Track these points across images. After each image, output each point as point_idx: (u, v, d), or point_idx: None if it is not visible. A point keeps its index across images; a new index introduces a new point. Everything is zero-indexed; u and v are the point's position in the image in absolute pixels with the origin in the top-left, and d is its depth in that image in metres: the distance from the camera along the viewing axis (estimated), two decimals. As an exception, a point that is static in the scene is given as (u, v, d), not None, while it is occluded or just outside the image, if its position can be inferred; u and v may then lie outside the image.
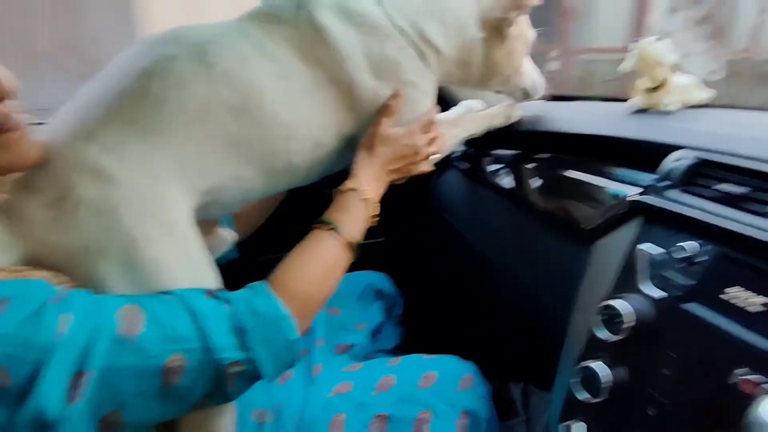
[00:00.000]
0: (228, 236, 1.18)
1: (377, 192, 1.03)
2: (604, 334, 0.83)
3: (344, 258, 0.95)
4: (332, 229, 0.93)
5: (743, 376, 0.69)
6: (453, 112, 1.39)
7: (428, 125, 1.08)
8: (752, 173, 0.82)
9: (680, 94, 1.13)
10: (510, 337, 1.44)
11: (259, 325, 0.79)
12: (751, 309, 0.71)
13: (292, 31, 0.97)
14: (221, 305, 0.78)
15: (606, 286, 0.91)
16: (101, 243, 0.77)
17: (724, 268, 0.77)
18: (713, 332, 0.74)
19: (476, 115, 1.30)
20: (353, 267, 1.30)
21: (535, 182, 1.39)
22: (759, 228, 0.75)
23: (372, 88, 1.02)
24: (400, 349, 1.53)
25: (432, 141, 1.10)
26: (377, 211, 1.01)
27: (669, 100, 1.11)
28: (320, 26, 0.97)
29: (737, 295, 0.73)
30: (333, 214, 0.96)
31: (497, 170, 1.52)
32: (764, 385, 0.66)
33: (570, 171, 1.28)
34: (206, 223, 1.03)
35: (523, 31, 1.19)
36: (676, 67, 1.14)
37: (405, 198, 1.61)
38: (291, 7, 0.99)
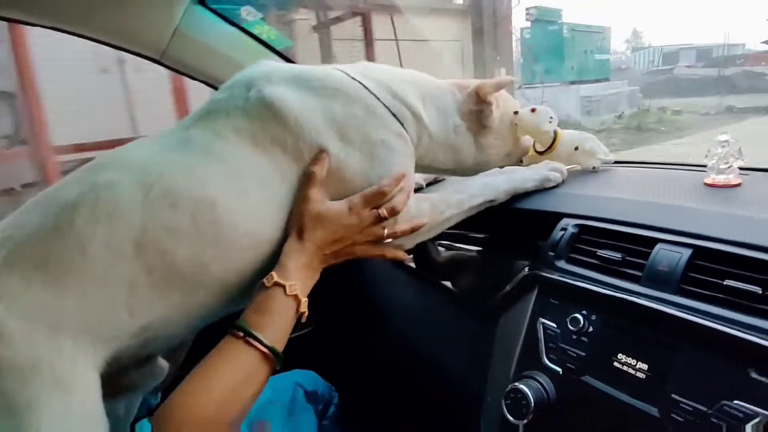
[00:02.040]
0: (163, 366, 1.09)
1: (307, 284, 0.92)
2: (511, 418, 0.89)
3: (262, 371, 0.85)
4: (248, 336, 0.84)
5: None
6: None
7: (375, 197, 0.97)
8: (626, 238, 0.90)
9: (567, 159, 1.24)
10: (439, 424, 1.46)
11: None
12: (639, 375, 0.79)
13: (243, 119, 0.95)
14: None
15: (512, 364, 0.98)
16: None
17: (611, 336, 0.86)
18: (610, 403, 0.82)
19: (493, 179, 1.16)
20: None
21: (447, 260, 1.45)
22: (633, 293, 0.83)
23: (337, 154, 0.97)
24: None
25: (379, 218, 0.97)
26: (305, 306, 0.90)
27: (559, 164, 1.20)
28: (272, 100, 0.95)
29: (626, 362, 0.81)
30: (252, 315, 0.86)
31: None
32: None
33: (477, 246, 1.34)
34: (142, 358, 1.00)
35: (506, 108, 1.25)
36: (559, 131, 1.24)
37: (329, 284, 1.66)
38: (240, 93, 0.98)
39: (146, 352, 0.93)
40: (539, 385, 0.89)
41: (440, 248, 1.49)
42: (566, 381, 0.88)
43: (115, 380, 0.87)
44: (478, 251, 1.34)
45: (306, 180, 0.94)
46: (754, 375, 0.67)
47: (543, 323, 0.94)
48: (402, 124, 1.06)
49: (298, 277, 0.89)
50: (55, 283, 0.79)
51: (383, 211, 0.96)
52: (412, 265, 1.49)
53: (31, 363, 0.76)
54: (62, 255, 0.80)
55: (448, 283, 1.36)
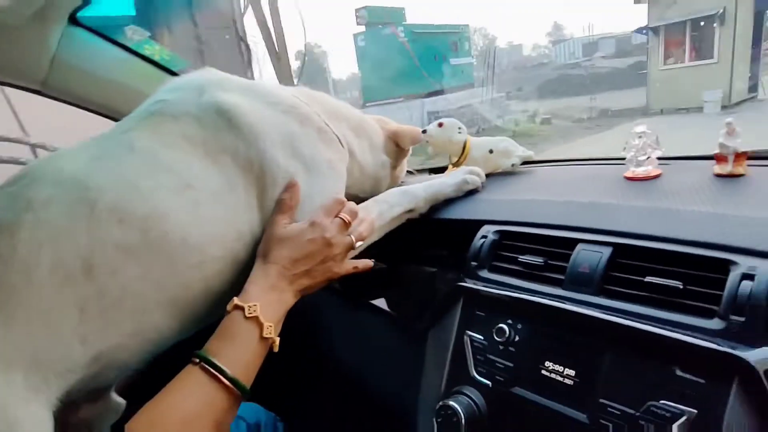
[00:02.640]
0: (119, 403, 1.01)
1: (275, 307, 0.87)
2: (444, 436, 0.84)
3: (221, 401, 0.79)
4: (205, 364, 0.78)
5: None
6: None
7: (335, 207, 0.96)
8: (546, 241, 0.89)
9: (484, 163, 1.24)
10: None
11: None
12: (567, 382, 0.77)
13: (194, 125, 0.90)
14: None
15: (442, 380, 0.94)
16: None
17: (537, 344, 0.83)
18: (540, 413, 0.79)
19: (412, 187, 1.15)
20: None
21: (378, 276, 1.42)
22: (556, 297, 0.81)
23: (286, 168, 0.94)
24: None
25: (345, 224, 0.95)
26: (275, 331, 0.85)
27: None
28: (227, 107, 0.91)
29: (553, 369, 0.79)
30: (212, 342, 0.82)
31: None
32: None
33: (406, 261, 1.31)
34: (94, 391, 0.91)
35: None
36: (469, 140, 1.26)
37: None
38: (192, 97, 0.93)
39: (98, 383, 0.85)
40: (469, 401, 0.85)
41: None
42: (496, 393, 0.84)
43: (67, 418, 0.80)
44: (405, 267, 1.30)
45: (276, 206, 0.93)
46: (679, 373, 0.65)
47: (470, 336, 0.91)
48: (345, 151, 1.09)
49: (260, 300, 0.84)
50: (1, 315, 0.72)
51: (345, 216, 0.94)
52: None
53: None
54: (6, 284, 0.73)
55: (379, 305, 1.33)
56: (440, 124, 1.25)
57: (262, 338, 0.82)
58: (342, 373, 1.52)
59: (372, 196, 1.18)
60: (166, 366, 0.81)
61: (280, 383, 1.76)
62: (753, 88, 14.93)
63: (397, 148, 1.27)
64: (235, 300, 0.83)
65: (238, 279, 0.91)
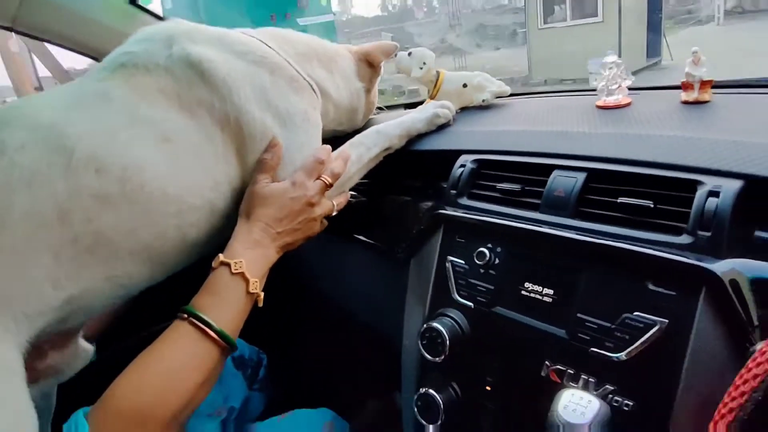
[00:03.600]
0: (87, 349, 1.04)
1: (260, 263, 0.90)
2: (429, 356, 0.90)
3: (210, 354, 0.81)
4: (193, 318, 0.80)
5: (552, 366, 0.77)
6: None
7: (315, 167, 0.98)
8: (523, 168, 0.92)
9: (458, 97, 1.25)
10: (362, 376, 1.49)
11: None
12: (546, 300, 0.81)
13: (167, 78, 0.90)
14: None
15: (425, 305, 0.99)
16: None
17: (516, 266, 0.87)
18: (521, 330, 0.84)
19: (385, 126, 1.16)
20: None
21: (357, 211, 1.44)
22: (533, 221, 0.85)
23: (262, 121, 0.96)
24: (267, 413, 1.53)
25: (326, 186, 0.99)
26: (259, 286, 0.88)
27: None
28: (198, 60, 0.91)
29: (533, 289, 0.83)
30: (199, 298, 0.84)
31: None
32: (568, 371, 0.75)
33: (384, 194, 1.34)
34: (63, 337, 0.94)
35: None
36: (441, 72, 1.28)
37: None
38: (160, 48, 0.93)
39: (67, 326, 0.87)
40: (453, 322, 0.90)
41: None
42: (478, 314, 0.89)
43: (34, 364, 0.82)
44: (387, 199, 1.33)
45: (257, 166, 0.95)
46: (651, 287, 0.70)
47: (451, 261, 0.95)
48: (318, 97, 1.09)
49: (244, 256, 0.87)
50: None
51: (326, 179, 0.97)
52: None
53: None
54: None
55: (361, 237, 1.36)
56: (409, 53, 1.26)
57: (248, 293, 0.86)
58: (325, 305, 1.56)
59: (349, 128, 1.25)
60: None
61: (264, 318, 1.81)
62: (653, 52, 12.35)
63: (370, 68, 1.27)
64: (221, 257, 0.86)
65: (214, 228, 0.94)
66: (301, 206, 0.94)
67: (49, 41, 1.38)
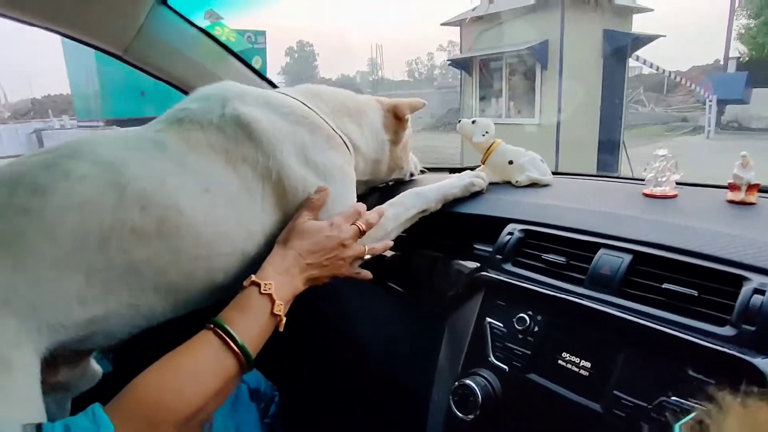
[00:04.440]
0: (96, 371, 1.09)
1: (287, 289, 0.95)
2: (459, 413, 0.92)
3: (229, 367, 0.85)
4: (219, 329, 0.86)
5: (581, 439, 0.79)
6: None
7: (353, 214, 1.07)
8: (570, 243, 0.95)
9: (501, 170, 1.32)
10: (382, 424, 1.50)
11: None
12: (583, 373, 0.83)
13: (217, 135, 1.00)
14: None
15: (459, 362, 1.01)
16: None
17: (555, 336, 0.90)
18: (555, 400, 0.86)
19: (423, 189, 1.25)
20: None
21: (394, 263, 1.48)
22: (577, 295, 0.88)
23: (303, 175, 1.05)
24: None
25: (360, 232, 1.06)
26: (283, 310, 0.94)
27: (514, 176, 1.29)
28: (247, 120, 1.01)
29: (570, 360, 0.85)
30: (227, 312, 0.89)
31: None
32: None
33: (427, 250, 1.38)
34: (78, 354, 0.99)
35: (409, 126, 1.36)
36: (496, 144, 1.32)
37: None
38: (215, 107, 1.03)
39: (83, 347, 0.92)
40: (486, 382, 0.92)
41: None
42: (512, 378, 0.91)
43: (45, 378, 0.83)
44: (425, 255, 1.37)
45: (304, 203, 1.04)
46: (691, 372, 0.72)
47: (490, 323, 0.98)
48: (351, 153, 1.18)
49: (275, 279, 0.93)
50: (12, 261, 0.78)
51: (361, 225, 1.06)
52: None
53: None
54: (27, 235, 0.80)
55: (395, 285, 1.39)
56: (473, 121, 1.32)
57: (272, 314, 0.91)
58: (347, 348, 1.58)
59: (374, 180, 1.36)
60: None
61: (282, 353, 1.83)
62: (608, 168, 9.86)
63: (395, 120, 1.32)
64: (253, 277, 0.92)
65: (243, 274, 0.98)
66: (334, 245, 1.01)
67: (146, 71, 1.52)
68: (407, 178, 1.49)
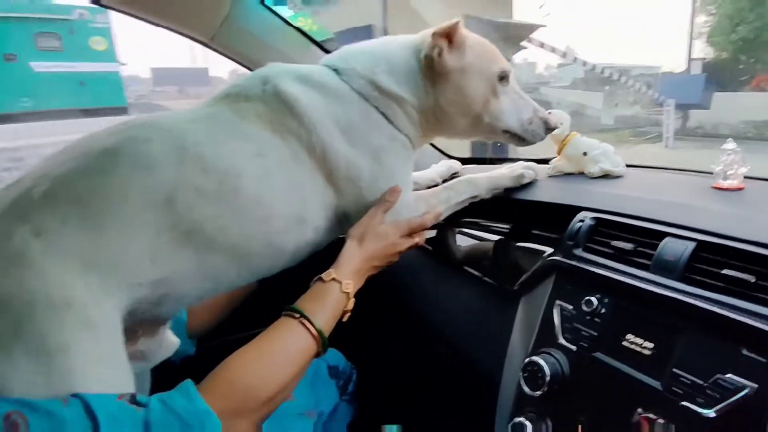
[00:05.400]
0: (173, 342, 1.19)
1: (357, 287, 1.07)
2: (528, 389, 1.00)
3: (310, 350, 0.96)
4: (303, 317, 0.96)
5: (642, 414, 0.85)
6: (434, 170, 1.53)
7: (419, 228, 1.17)
8: (637, 230, 1.01)
9: (576, 161, 1.37)
10: (452, 400, 1.58)
11: (173, 425, 0.76)
12: (645, 352, 0.90)
13: (263, 106, 1.06)
14: (134, 410, 0.76)
15: (530, 342, 1.09)
16: (7, 339, 0.76)
17: (621, 318, 0.97)
18: (618, 377, 0.92)
19: (476, 177, 1.30)
20: None
21: (466, 251, 1.56)
22: (642, 280, 0.94)
23: (345, 154, 1.09)
24: (354, 426, 1.64)
25: (416, 246, 1.18)
26: (352, 305, 1.05)
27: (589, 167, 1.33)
28: (287, 97, 1.06)
29: (634, 341, 0.92)
30: (308, 302, 1.00)
31: (439, 239, 1.67)
32: (658, 421, 0.83)
33: (497, 236, 1.46)
34: (153, 323, 1.08)
35: (473, 64, 1.17)
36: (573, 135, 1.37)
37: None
38: (257, 84, 1.09)
39: (158, 311, 0.99)
40: (555, 360, 1.00)
41: (459, 237, 1.62)
42: (579, 357, 0.98)
43: (126, 346, 0.90)
44: (498, 240, 1.45)
45: (379, 203, 1.12)
46: (745, 352, 0.77)
47: (560, 305, 1.05)
48: (392, 123, 1.16)
49: (352, 278, 1.05)
50: (92, 221, 0.85)
51: (420, 242, 1.19)
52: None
53: (65, 300, 0.80)
54: (102, 194, 0.87)
55: (471, 270, 1.48)
56: (549, 113, 1.35)
57: (345, 309, 1.04)
58: (423, 330, 1.66)
59: (448, 132, 1.28)
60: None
61: (361, 334, 1.93)
62: None
63: (450, 47, 1.15)
64: (333, 274, 1.03)
65: (301, 240, 1.09)
66: (392, 253, 1.13)
67: (231, 58, 1.63)
68: (515, 143, 1.27)
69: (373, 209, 1.12)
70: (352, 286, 1.04)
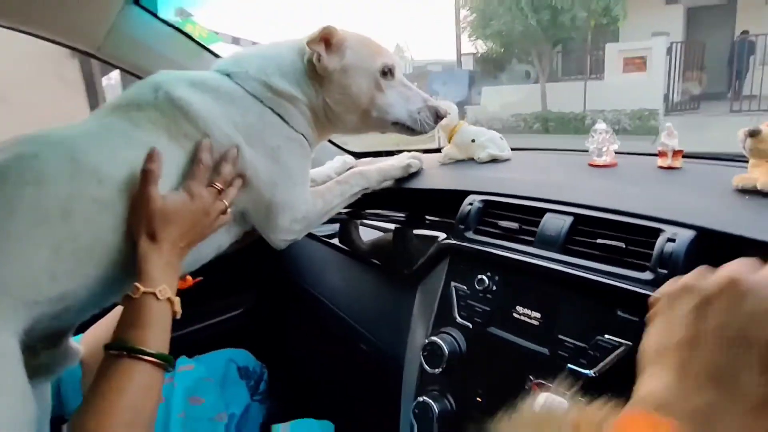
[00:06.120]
0: (76, 349, 1.14)
1: (174, 283, 0.95)
2: (428, 368, 1.05)
3: (158, 381, 0.88)
4: (134, 352, 0.85)
5: (534, 380, 0.92)
6: (328, 166, 1.54)
7: (203, 174, 1.04)
8: (521, 209, 1.08)
9: (465, 148, 1.44)
10: (362, 388, 1.62)
11: None
12: (533, 322, 0.96)
13: (156, 113, 1.03)
14: None
15: (429, 323, 1.14)
16: None
17: (511, 292, 1.03)
18: (511, 348, 0.99)
19: (367, 169, 1.34)
20: (213, 345, 1.35)
21: (376, 241, 1.61)
22: (528, 254, 1.01)
23: (243, 155, 1.09)
24: (266, 425, 1.65)
25: (218, 192, 1.05)
26: (179, 306, 0.94)
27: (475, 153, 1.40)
28: (181, 102, 1.04)
29: (523, 312, 0.98)
30: (132, 332, 0.88)
31: (342, 233, 1.72)
32: (548, 385, 0.90)
33: (400, 225, 1.51)
34: (54, 336, 1.04)
35: (353, 63, 1.20)
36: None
37: (262, 267, 1.78)
38: (148, 91, 1.06)
39: (58, 325, 0.97)
40: (452, 338, 1.05)
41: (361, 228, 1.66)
42: (475, 333, 1.04)
43: (28, 361, 0.86)
44: (396, 229, 1.50)
45: (143, 178, 0.96)
46: (620, 313, 0.85)
47: (455, 286, 1.11)
48: (288, 123, 1.17)
49: (164, 279, 0.92)
50: None
51: (218, 185, 1.05)
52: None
53: None
54: None
55: (372, 260, 1.52)
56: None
57: (173, 313, 0.93)
58: (329, 324, 1.69)
59: (359, 127, 1.29)
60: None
61: (267, 332, 1.95)
62: None
63: (330, 51, 1.19)
64: (141, 287, 0.89)
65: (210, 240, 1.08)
66: (199, 217, 1.01)
67: (121, 68, 1.59)
68: (407, 133, 1.27)
69: (142, 190, 0.96)
70: (168, 288, 0.92)
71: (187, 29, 1.66)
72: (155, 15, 1.57)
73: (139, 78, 1.55)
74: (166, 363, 0.88)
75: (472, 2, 15.12)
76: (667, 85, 11.99)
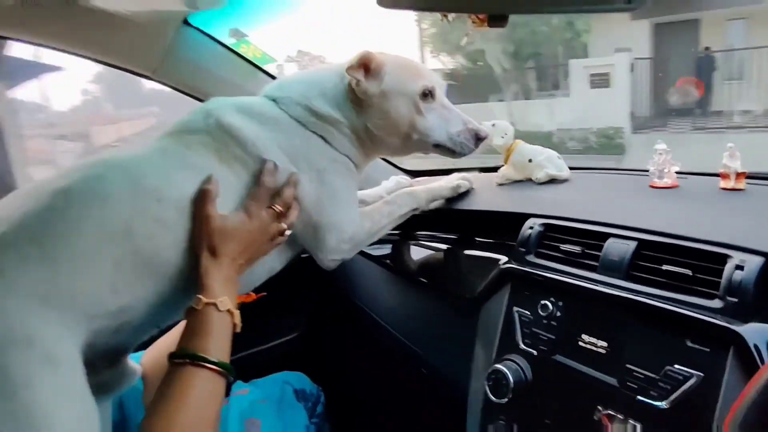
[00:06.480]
0: (135, 369, 1.18)
1: (234, 294, 1.00)
2: (494, 397, 1.04)
3: (220, 388, 0.92)
4: (198, 360, 0.90)
5: (602, 411, 0.90)
6: (382, 186, 1.56)
7: (264, 196, 1.09)
8: (583, 233, 1.07)
9: (521, 168, 1.42)
10: (422, 413, 1.61)
11: None
12: (600, 351, 0.95)
13: (207, 138, 1.09)
14: None
15: (493, 349, 1.13)
16: None
17: (575, 319, 1.01)
18: (577, 377, 0.97)
19: (415, 190, 1.36)
20: (268, 369, 1.37)
21: (423, 262, 1.60)
22: (591, 281, 0.99)
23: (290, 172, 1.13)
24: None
25: (277, 215, 1.09)
26: (239, 318, 0.98)
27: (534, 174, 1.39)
28: (230, 128, 1.10)
29: (589, 341, 0.97)
30: (194, 341, 0.93)
31: (396, 254, 1.71)
32: (618, 417, 0.88)
33: (457, 247, 1.50)
34: (114, 353, 1.08)
35: (393, 88, 1.22)
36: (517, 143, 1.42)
37: (316, 290, 1.80)
38: (200, 118, 1.12)
39: (118, 341, 1.01)
40: (517, 366, 1.04)
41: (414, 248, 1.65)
42: (540, 361, 1.03)
43: (88, 378, 0.89)
44: (447, 250, 1.49)
45: (201, 198, 1.02)
46: (689, 343, 0.83)
47: (518, 311, 1.09)
48: (332, 146, 1.21)
49: (224, 292, 0.97)
50: (50, 258, 0.88)
51: (278, 207, 1.09)
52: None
53: (26, 337, 0.82)
54: (57, 231, 0.90)
55: (431, 282, 1.52)
56: (493, 124, 1.41)
57: (233, 325, 0.97)
58: (387, 347, 1.68)
59: (382, 151, 1.33)
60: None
61: (326, 355, 1.96)
62: None
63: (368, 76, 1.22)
64: (204, 298, 0.94)
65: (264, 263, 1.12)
66: (257, 236, 1.06)
67: (177, 89, 1.64)
68: (449, 156, 1.29)
69: (202, 210, 1.01)
70: (228, 300, 0.96)
71: (242, 50, 1.71)
72: (210, 36, 1.62)
73: (197, 99, 1.62)
74: (226, 371, 0.92)
75: (432, 15, 14.53)
76: (632, 101, 11.65)
